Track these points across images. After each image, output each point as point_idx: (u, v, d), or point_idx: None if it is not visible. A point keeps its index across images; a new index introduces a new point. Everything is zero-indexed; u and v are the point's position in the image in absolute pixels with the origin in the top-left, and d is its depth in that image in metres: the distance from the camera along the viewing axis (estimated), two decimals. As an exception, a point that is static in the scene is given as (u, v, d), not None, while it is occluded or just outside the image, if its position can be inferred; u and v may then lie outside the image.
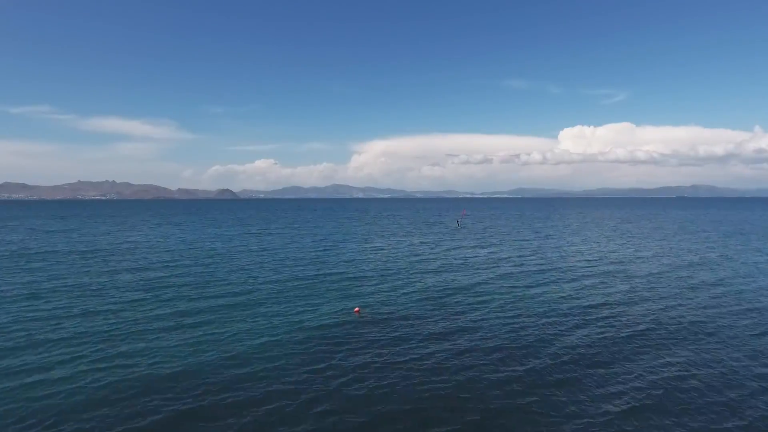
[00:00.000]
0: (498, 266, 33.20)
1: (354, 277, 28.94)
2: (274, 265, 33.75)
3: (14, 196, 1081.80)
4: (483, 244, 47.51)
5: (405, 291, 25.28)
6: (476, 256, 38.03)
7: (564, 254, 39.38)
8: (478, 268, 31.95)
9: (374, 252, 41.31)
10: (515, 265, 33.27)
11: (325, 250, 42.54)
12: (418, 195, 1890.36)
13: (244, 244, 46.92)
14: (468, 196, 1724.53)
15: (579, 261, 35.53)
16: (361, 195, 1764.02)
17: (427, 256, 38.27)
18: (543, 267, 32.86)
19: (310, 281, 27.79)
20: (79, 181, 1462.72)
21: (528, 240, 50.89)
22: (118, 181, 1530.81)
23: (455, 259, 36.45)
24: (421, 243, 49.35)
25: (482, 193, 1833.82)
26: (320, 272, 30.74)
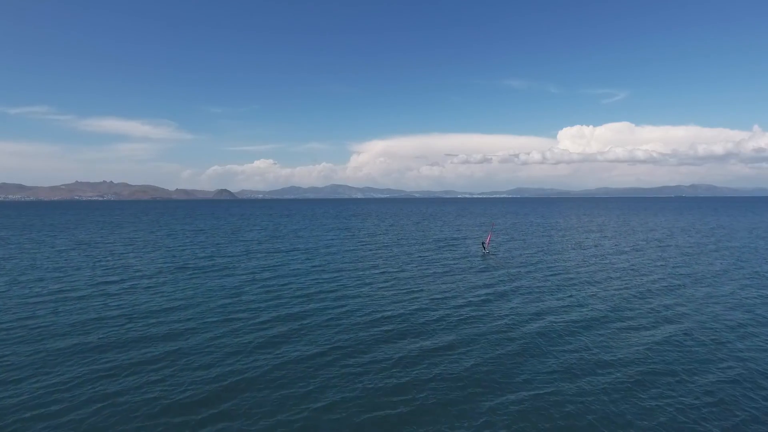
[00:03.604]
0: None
1: None
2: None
3: (11, 197, 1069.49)
4: (545, 293, 28.91)
5: None
6: (549, 332, 19.57)
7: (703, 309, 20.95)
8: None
9: (360, 329, 22.83)
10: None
11: (270, 322, 23.94)
12: (417, 195, 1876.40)
13: (146, 296, 28.30)
14: (467, 195, 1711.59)
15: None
16: (360, 195, 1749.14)
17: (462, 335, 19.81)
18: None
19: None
20: (76, 181, 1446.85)
21: (607, 280, 32.35)
22: (116, 181, 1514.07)
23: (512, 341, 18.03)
24: (442, 298, 30.58)
25: (481, 193, 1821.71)
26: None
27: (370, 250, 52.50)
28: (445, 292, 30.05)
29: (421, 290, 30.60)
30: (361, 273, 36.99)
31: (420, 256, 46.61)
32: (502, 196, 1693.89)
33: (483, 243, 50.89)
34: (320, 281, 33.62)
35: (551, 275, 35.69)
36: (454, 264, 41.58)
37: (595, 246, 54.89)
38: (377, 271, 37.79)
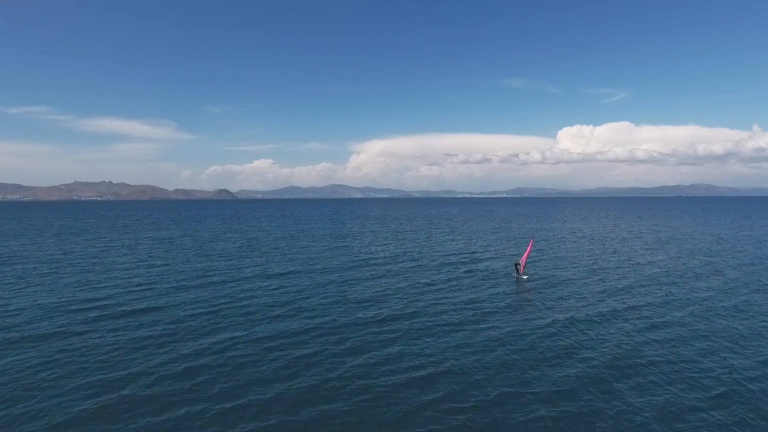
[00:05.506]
0: None
1: None
2: None
3: (9, 197, 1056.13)
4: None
5: None
6: None
7: None
8: None
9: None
10: None
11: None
12: (417, 195, 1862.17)
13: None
14: (467, 195, 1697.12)
15: None
16: (359, 195, 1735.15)
17: None
18: None
19: None
20: (75, 181, 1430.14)
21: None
22: (115, 181, 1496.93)
23: None
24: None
25: (480, 193, 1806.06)
26: None
27: (368, 276, 39.41)
28: (489, 368, 17.03)
29: (446, 362, 17.60)
30: (350, 327, 24.03)
31: (433, 288, 33.61)
32: (502, 195, 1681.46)
33: (516, 265, 38.04)
34: (279, 347, 20.67)
35: (647, 329, 22.58)
36: (485, 304, 28.56)
37: (680, 269, 41.62)
38: (375, 323, 24.84)
